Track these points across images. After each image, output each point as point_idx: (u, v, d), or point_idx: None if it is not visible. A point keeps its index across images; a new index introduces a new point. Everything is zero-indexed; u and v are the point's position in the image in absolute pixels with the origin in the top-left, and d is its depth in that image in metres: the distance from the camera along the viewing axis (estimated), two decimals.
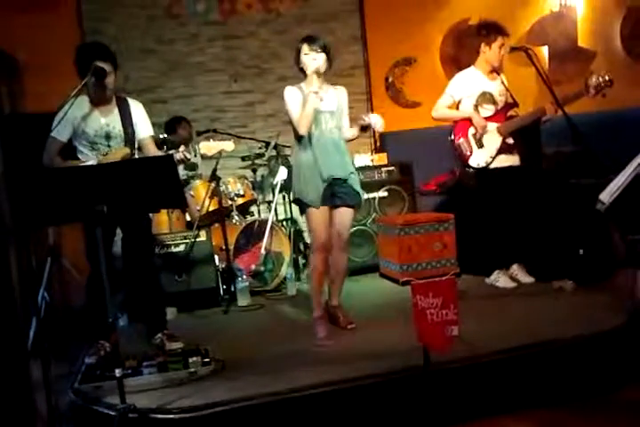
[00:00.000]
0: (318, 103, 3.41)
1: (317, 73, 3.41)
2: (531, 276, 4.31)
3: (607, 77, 3.89)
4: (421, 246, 4.53)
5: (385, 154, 5.47)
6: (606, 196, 3.08)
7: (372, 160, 5.32)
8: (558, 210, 4.52)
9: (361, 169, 5.13)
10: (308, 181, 3.46)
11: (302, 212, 3.63)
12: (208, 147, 4.09)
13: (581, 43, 6.64)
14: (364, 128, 3.54)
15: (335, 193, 3.49)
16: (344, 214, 3.57)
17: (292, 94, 3.47)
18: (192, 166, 4.88)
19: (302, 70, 3.49)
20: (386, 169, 5.22)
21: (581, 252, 4.14)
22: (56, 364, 3.23)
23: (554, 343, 3.15)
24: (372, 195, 5.09)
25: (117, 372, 2.63)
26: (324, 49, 3.46)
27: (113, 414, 2.66)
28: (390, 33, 6.04)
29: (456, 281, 2.67)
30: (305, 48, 3.46)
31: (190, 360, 3.04)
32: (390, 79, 6.21)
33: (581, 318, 3.44)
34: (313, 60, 3.43)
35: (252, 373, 3.06)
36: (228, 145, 4.14)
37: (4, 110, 4.68)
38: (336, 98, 3.56)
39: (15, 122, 4.04)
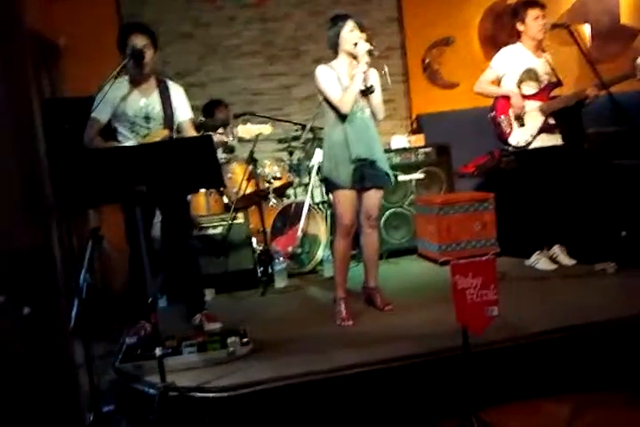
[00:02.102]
0: (361, 83, 3.38)
1: (366, 50, 3.36)
2: (572, 258, 4.23)
3: None
4: (461, 226, 4.50)
5: (422, 135, 5.41)
6: None
7: (409, 141, 5.27)
8: (600, 191, 4.42)
9: (397, 151, 5.10)
10: (338, 162, 3.45)
11: (329, 192, 3.63)
12: (246, 130, 4.10)
13: (624, 20, 6.45)
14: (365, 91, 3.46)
15: (364, 174, 3.47)
16: (373, 196, 3.56)
17: (326, 73, 3.45)
18: (230, 149, 4.90)
19: (335, 48, 3.47)
20: (423, 151, 5.16)
21: (624, 234, 4.05)
22: (98, 344, 3.32)
23: (594, 326, 3.10)
24: (408, 177, 5.05)
25: (158, 351, 2.68)
26: (362, 28, 3.44)
27: (153, 392, 2.71)
28: (427, 13, 5.96)
29: (496, 261, 2.63)
30: (350, 25, 3.42)
31: (229, 340, 3.08)
32: (427, 60, 6.13)
33: (623, 301, 3.38)
34: (356, 37, 3.40)
35: (289, 353, 3.08)
36: (266, 128, 4.14)
37: (45, 95, 4.75)
38: (374, 75, 3.53)
39: (55, 106, 4.09)
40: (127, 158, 2.73)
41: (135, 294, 3.36)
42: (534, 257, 4.25)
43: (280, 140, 5.16)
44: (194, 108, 3.80)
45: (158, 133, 3.47)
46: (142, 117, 3.48)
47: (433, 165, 5.14)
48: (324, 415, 2.83)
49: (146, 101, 3.49)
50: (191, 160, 2.78)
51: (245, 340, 3.13)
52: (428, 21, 5.99)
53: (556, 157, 4.14)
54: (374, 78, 3.53)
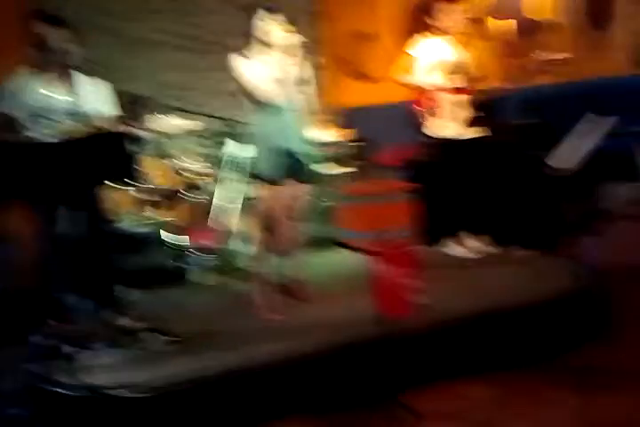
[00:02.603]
0: (281, 73, 3.36)
1: (287, 43, 3.34)
2: (489, 244, 4.34)
3: (558, 55, 3.91)
4: (383, 215, 4.53)
5: (348, 129, 5.44)
6: (559, 161, 3.09)
7: (335, 135, 5.29)
8: (516, 179, 4.55)
9: (324, 144, 5.10)
10: (265, 155, 3.42)
11: (256, 185, 3.61)
12: (168, 124, 4.02)
13: (540, 15, 6.64)
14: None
15: (291, 168, 3.46)
16: (299, 189, 3.55)
17: (245, 64, 3.41)
18: (151, 143, 4.80)
19: (255, 40, 3.44)
20: (349, 144, 5.20)
21: (538, 219, 4.19)
22: (9, 346, 3.19)
23: (509, 309, 3.22)
24: (335, 170, 5.06)
25: (68, 350, 2.59)
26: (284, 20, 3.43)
27: (65, 392, 2.62)
28: (346, 6, 5.99)
29: (417, 249, 2.67)
30: (270, 16, 3.39)
31: (148, 338, 3.01)
32: (346, 54, 6.15)
33: (538, 285, 3.51)
34: (277, 28, 3.37)
35: (210, 349, 3.03)
36: (189, 123, 4.07)
37: None
38: (298, 67, 3.50)
39: None
40: (32, 154, 2.65)
41: (43, 293, 3.25)
42: (450, 244, 4.33)
43: (203, 135, 5.08)
44: (117, 103, 3.69)
45: (71, 128, 3.34)
46: (52, 111, 3.35)
47: (359, 158, 5.17)
48: (245, 410, 2.80)
49: (60, 96, 3.36)
50: (104, 154, 2.75)
51: (166, 337, 3.07)
52: (350, 14, 6.02)
53: (474, 148, 4.23)
54: (301, 70, 3.50)
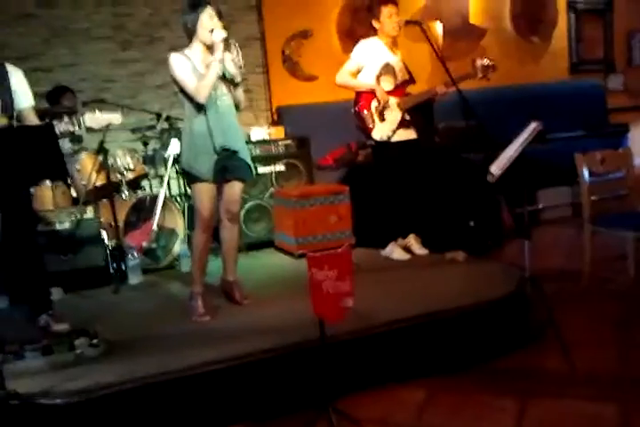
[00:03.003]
0: (219, 71, 3.29)
1: (222, 38, 3.26)
2: (424, 248, 4.39)
3: (491, 62, 4.00)
4: (317, 219, 4.53)
5: (282, 127, 5.40)
6: (496, 168, 3.16)
7: (269, 134, 5.22)
8: (450, 183, 4.62)
9: (257, 143, 5.03)
10: (199, 153, 3.35)
11: (189, 184, 3.54)
12: (94, 119, 3.86)
13: (473, 20, 6.78)
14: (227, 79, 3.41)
15: (225, 166, 3.40)
16: (234, 188, 3.51)
17: (180, 61, 3.32)
18: (78, 139, 4.62)
19: (191, 35, 3.35)
20: (283, 143, 5.14)
21: (472, 223, 4.26)
22: None
23: (443, 314, 3.24)
24: (268, 169, 5.01)
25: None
26: (220, 15, 3.35)
27: None
28: (287, 4, 5.95)
29: (351, 253, 2.66)
30: (207, 12, 3.30)
31: (77, 342, 2.93)
32: (287, 52, 6.11)
33: (471, 289, 3.56)
34: (213, 24, 3.29)
35: (142, 353, 2.97)
36: (116, 117, 3.93)
37: None
38: (226, 66, 3.43)
39: None
40: None
41: None
42: (389, 247, 4.37)
43: (133, 130, 4.94)
44: (38, 94, 3.55)
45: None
46: None
47: (293, 157, 5.13)
48: (181, 416, 2.74)
49: None
50: (31, 150, 2.65)
51: (95, 341, 2.99)
52: (287, 12, 5.97)
53: (410, 151, 4.27)
54: (232, 66, 3.43)
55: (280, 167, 5.07)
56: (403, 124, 4.26)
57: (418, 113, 4.36)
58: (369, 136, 4.28)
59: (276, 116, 6.05)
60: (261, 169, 4.90)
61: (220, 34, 3.26)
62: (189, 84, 3.30)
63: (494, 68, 4.01)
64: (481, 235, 4.25)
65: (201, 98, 3.27)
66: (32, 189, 3.94)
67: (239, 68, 3.40)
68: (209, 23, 3.30)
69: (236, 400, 2.84)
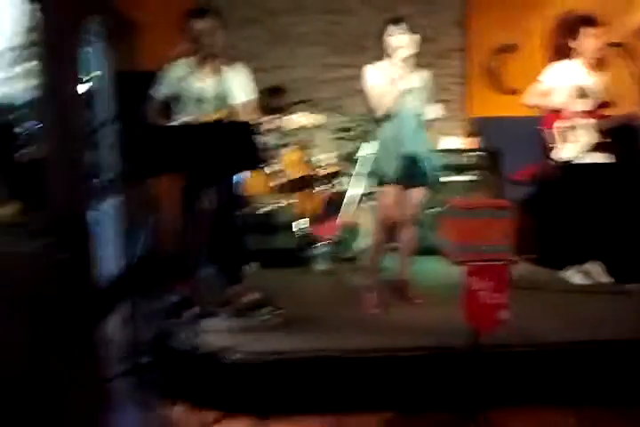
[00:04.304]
0: (403, 85, 3.52)
1: (401, 53, 3.49)
2: (608, 275, 4.22)
3: None
4: (480, 230, 4.54)
5: (477, 138, 5.46)
6: None
7: (463, 144, 5.33)
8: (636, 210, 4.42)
9: (449, 152, 5.16)
10: (386, 157, 3.60)
11: (375, 185, 3.79)
12: (299, 117, 4.25)
13: None
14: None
15: (410, 171, 3.60)
16: (416, 193, 3.70)
17: (370, 74, 3.59)
18: (283, 135, 5.07)
19: (385, 49, 3.60)
20: (476, 154, 5.21)
21: None
22: (147, 302, 3.55)
23: (612, 344, 3.12)
24: (458, 178, 5.12)
25: (193, 312, 2.90)
26: (410, 30, 3.55)
27: (185, 349, 2.95)
28: (493, 18, 6.01)
29: (509, 267, 2.73)
30: (391, 29, 3.54)
31: (262, 310, 3.31)
32: (489, 64, 6.18)
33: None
34: (400, 41, 3.52)
35: (314, 329, 3.29)
36: (319, 118, 4.29)
37: (122, 68, 4.97)
38: (421, 77, 3.64)
39: (129, 79, 4.31)
40: (173, 137, 2.97)
41: (182, 261, 3.58)
42: (570, 270, 4.29)
43: (335, 130, 5.31)
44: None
45: (211, 115, 3.63)
46: (197, 99, 3.65)
47: (485, 169, 5.19)
48: (334, 393, 2.98)
49: (202, 85, 3.66)
50: (230, 143, 3.03)
51: (277, 312, 3.36)
52: (492, 26, 6.03)
53: (604, 174, 4.17)
54: (428, 77, 3.64)
55: (469, 177, 5.16)
56: (597, 146, 4.18)
57: (617, 136, 4.26)
58: (549, 155, 4.26)
59: (472, 127, 6.13)
60: (450, 178, 5.02)
61: (404, 52, 3.48)
62: (372, 96, 3.56)
63: None
64: None
65: (379, 111, 3.52)
66: (242, 177, 4.43)
67: (428, 81, 3.58)
68: (396, 40, 3.53)
69: (385, 389, 3.00)
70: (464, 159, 5.19)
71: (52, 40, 1.51)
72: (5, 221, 2.19)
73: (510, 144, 5.24)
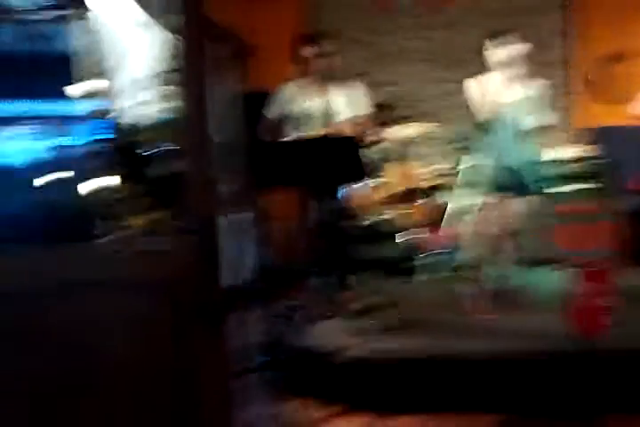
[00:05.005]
0: (504, 97, 3.61)
1: (502, 66, 3.58)
2: None
3: None
4: (588, 236, 4.52)
5: (588, 147, 5.41)
6: None
7: (574, 153, 5.30)
8: None
9: (561, 162, 5.15)
10: (487, 167, 3.69)
11: (475, 194, 3.90)
12: (400, 130, 4.42)
13: None
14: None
15: (513, 182, 3.67)
16: (517, 203, 3.76)
17: (472, 86, 3.71)
18: (388, 148, 5.24)
19: (488, 63, 3.71)
20: (589, 163, 5.17)
21: None
22: (265, 308, 3.81)
23: None
24: (569, 187, 5.10)
25: (308, 316, 3.11)
26: (511, 43, 3.63)
27: (302, 350, 3.19)
28: (600, 28, 5.96)
29: (612, 272, 2.75)
30: (490, 43, 3.65)
31: (373, 314, 3.52)
32: (593, 74, 6.12)
33: None
34: (499, 55, 3.61)
35: (424, 332, 3.44)
36: (419, 131, 4.43)
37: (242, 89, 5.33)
38: (530, 87, 3.71)
39: (254, 99, 4.64)
40: (285, 151, 3.21)
41: (295, 268, 3.83)
42: None
43: (439, 143, 5.42)
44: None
45: (318, 132, 3.86)
46: (305, 117, 3.91)
47: (597, 177, 5.13)
48: (442, 393, 3.10)
49: (310, 103, 3.92)
50: (336, 157, 3.31)
51: (389, 315, 3.55)
52: (599, 36, 5.99)
53: None
54: (534, 88, 3.71)
55: (581, 186, 5.12)
56: None
57: None
58: None
59: (581, 137, 6.07)
60: (561, 188, 5.01)
61: (504, 65, 3.57)
62: (474, 109, 3.67)
63: None
64: None
65: (479, 117, 3.62)
66: (349, 189, 4.65)
67: (536, 92, 3.65)
68: (496, 54, 3.63)
69: (499, 393, 3.07)
70: (576, 169, 5.15)
71: (190, 67, 1.75)
72: (150, 226, 2.56)
73: (626, 153, 5.18)
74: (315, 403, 3.10)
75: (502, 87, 3.65)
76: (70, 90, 4.81)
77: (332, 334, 3.38)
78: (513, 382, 3.09)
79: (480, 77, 3.77)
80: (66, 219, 3.02)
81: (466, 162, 4.92)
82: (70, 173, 4.15)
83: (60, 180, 3.97)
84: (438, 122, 5.58)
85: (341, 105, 3.98)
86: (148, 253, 1.89)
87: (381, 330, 3.45)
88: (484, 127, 3.72)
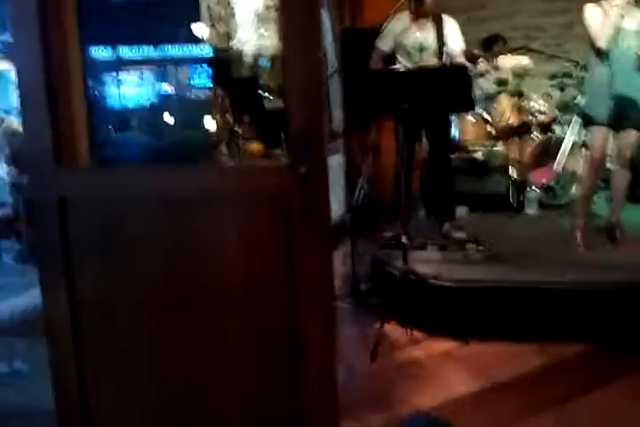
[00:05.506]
0: (622, 24, 3.48)
1: None
2: None
3: None
4: None
5: None
6: None
7: None
8: None
9: None
10: (598, 97, 3.61)
11: (585, 126, 3.82)
12: (505, 60, 4.34)
13: None
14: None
15: (622, 113, 3.57)
16: (629, 135, 3.66)
17: (592, 11, 3.58)
18: (502, 81, 5.17)
19: None
20: None
21: None
22: (367, 238, 4.06)
23: None
24: None
25: (403, 239, 3.28)
26: None
27: (398, 276, 3.34)
28: None
29: None
30: None
31: (467, 246, 3.64)
32: None
33: None
34: None
35: (515, 264, 3.47)
36: (525, 61, 4.33)
37: (345, 24, 5.41)
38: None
39: (353, 35, 4.73)
40: (397, 81, 3.35)
41: (396, 199, 3.97)
42: None
43: (552, 77, 5.28)
44: (473, 41, 4.12)
45: (429, 61, 3.93)
46: (417, 48, 3.98)
47: None
48: (530, 321, 3.16)
49: (421, 34, 3.97)
50: (448, 85, 3.30)
51: (482, 248, 3.65)
52: None
53: None
54: None
55: None
56: None
57: None
58: None
59: None
60: None
61: None
62: (592, 30, 3.55)
63: None
64: None
65: (599, 42, 3.50)
66: (458, 121, 4.70)
67: None
68: None
69: (583, 322, 3.11)
70: None
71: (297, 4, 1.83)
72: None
73: None
74: (408, 325, 3.25)
75: (624, 13, 3.50)
76: (196, 31, 5.11)
77: (427, 263, 3.50)
78: (607, 313, 3.12)
79: (603, 2, 3.61)
80: (199, 146, 3.71)
81: (582, 93, 4.79)
82: (197, 110, 4.55)
83: (188, 115, 4.42)
84: (555, 53, 5.41)
85: (450, 37, 3.99)
86: (265, 168, 2.08)
87: (474, 261, 3.56)
88: (602, 56, 3.59)
